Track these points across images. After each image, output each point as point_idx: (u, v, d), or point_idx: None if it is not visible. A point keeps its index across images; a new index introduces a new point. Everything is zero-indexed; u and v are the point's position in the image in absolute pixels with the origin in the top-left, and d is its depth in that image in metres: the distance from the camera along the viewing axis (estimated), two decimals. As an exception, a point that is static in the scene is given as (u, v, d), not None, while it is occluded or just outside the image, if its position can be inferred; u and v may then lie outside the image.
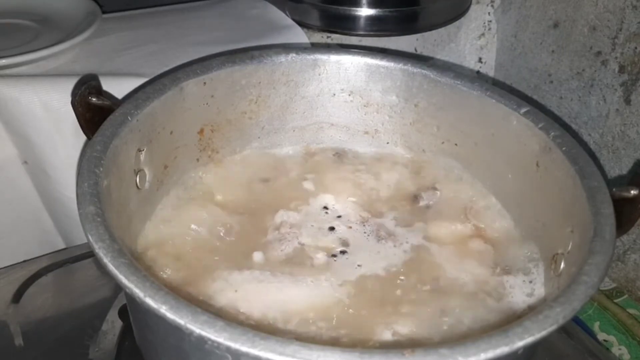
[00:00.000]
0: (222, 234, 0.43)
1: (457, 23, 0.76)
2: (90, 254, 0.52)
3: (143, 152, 0.41)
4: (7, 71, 0.55)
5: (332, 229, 0.45)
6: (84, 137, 0.40)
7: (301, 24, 0.68)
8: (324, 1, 0.68)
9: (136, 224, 0.41)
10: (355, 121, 0.52)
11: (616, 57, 0.62)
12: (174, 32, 0.66)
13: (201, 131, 0.47)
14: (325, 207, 0.47)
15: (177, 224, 0.43)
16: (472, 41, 0.81)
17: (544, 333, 0.28)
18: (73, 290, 0.51)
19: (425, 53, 0.78)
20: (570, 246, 0.37)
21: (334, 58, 0.49)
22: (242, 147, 0.50)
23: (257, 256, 0.42)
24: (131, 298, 0.29)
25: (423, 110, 0.49)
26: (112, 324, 0.47)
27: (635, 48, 0.60)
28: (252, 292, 0.39)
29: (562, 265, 0.37)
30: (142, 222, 0.42)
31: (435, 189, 0.49)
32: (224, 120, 0.48)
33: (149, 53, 0.61)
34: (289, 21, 0.69)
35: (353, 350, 0.26)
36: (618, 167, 0.64)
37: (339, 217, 0.46)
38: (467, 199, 0.48)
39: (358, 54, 0.50)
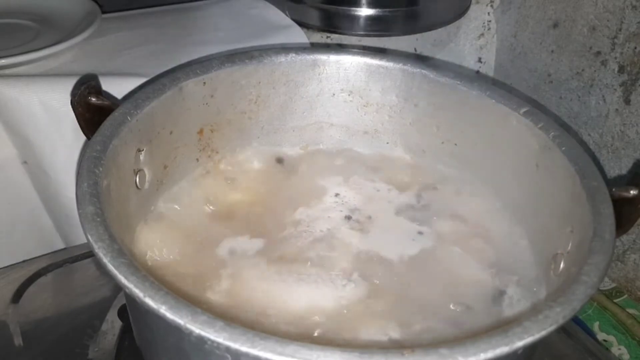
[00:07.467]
0: (218, 233, 0.43)
1: (456, 23, 0.76)
2: (90, 254, 0.52)
3: (143, 152, 0.41)
4: (7, 71, 0.55)
5: (330, 229, 0.45)
6: (83, 137, 0.40)
7: (301, 24, 0.68)
8: (323, 1, 0.68)
9: (136, 223, 0.41)
10: (354, 121, 0.52)
11: (616, 57, 0.62)
12: (174, 32, 0.66)
13: (201, 131, 0.47)
14: (323, 208, 0.47)
15: (174, 225, 0.43)
16: (471, 41, 0.81)
17: (543, 333, 0.28)
18: (73, 290, 0.51)
19: (425, 53, 0.78)
20: (570, 246, 0.37)
21: (333, 58, 0.49)
22: (241, 147, 0.50)
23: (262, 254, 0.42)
24: (131, 298, 0.29)
25: (422, 110, 0.49)
26: (112, 324, 0.47)
27: (635, 48, 0.60)
28: (258, 291, 0.39)
29: (562, 265, 0.37)
30: (142, 222, 0.42)
31: (435, 188, 0.49)
32: (223, 120, 0.48)
33: (149, 53, 0.61)
34: (289, 21, 0.69)
35: (353, 350, 0.26)
36: (618, 167, 0.64)
37: (338, 217, 0.46)
38: (467, 199, 0.48)
39: (358, 54, 0.50)
